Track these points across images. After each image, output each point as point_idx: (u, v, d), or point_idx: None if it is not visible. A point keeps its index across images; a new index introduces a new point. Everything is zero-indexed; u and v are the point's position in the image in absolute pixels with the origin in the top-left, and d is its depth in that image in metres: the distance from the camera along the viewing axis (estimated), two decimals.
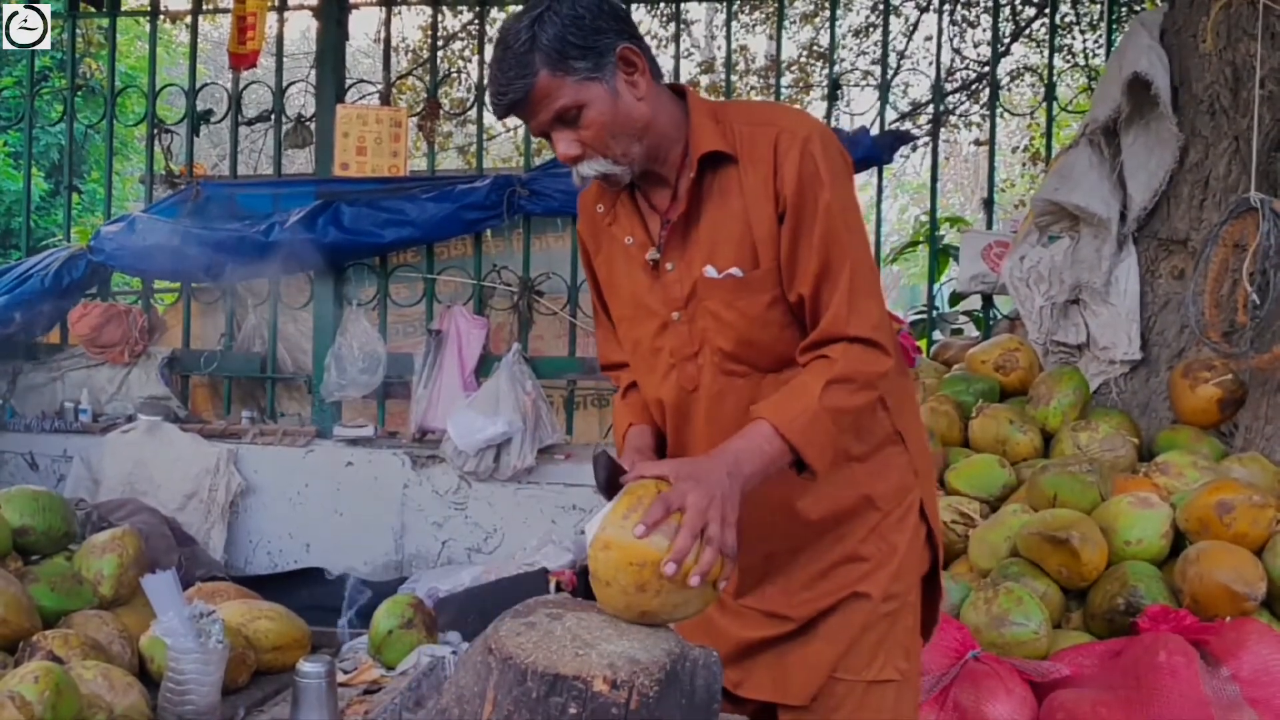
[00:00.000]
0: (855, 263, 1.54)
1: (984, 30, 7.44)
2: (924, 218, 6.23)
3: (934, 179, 4.84)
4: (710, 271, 1.59)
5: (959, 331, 5.87)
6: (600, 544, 1.37)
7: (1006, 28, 7.28)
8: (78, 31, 5.49)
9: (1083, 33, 7.48)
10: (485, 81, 4.88)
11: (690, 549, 1.34)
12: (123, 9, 5.45)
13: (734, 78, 5.95)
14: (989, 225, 4.82)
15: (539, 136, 1.60)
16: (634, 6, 5.61)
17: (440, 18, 5.93)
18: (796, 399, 1.50)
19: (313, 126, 4.87)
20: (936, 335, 5.15)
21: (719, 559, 1.36)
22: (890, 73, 5.03)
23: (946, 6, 6.67)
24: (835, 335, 1.54)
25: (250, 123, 5.42)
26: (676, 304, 1.63)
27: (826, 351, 1.54)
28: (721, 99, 4.95)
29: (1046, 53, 4.91)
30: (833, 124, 4.71)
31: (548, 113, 1.52)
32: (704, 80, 7.85)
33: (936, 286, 5.40)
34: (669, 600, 1.36)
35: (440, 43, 6.77)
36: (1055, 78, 4.77)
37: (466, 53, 7.79)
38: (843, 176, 1.57)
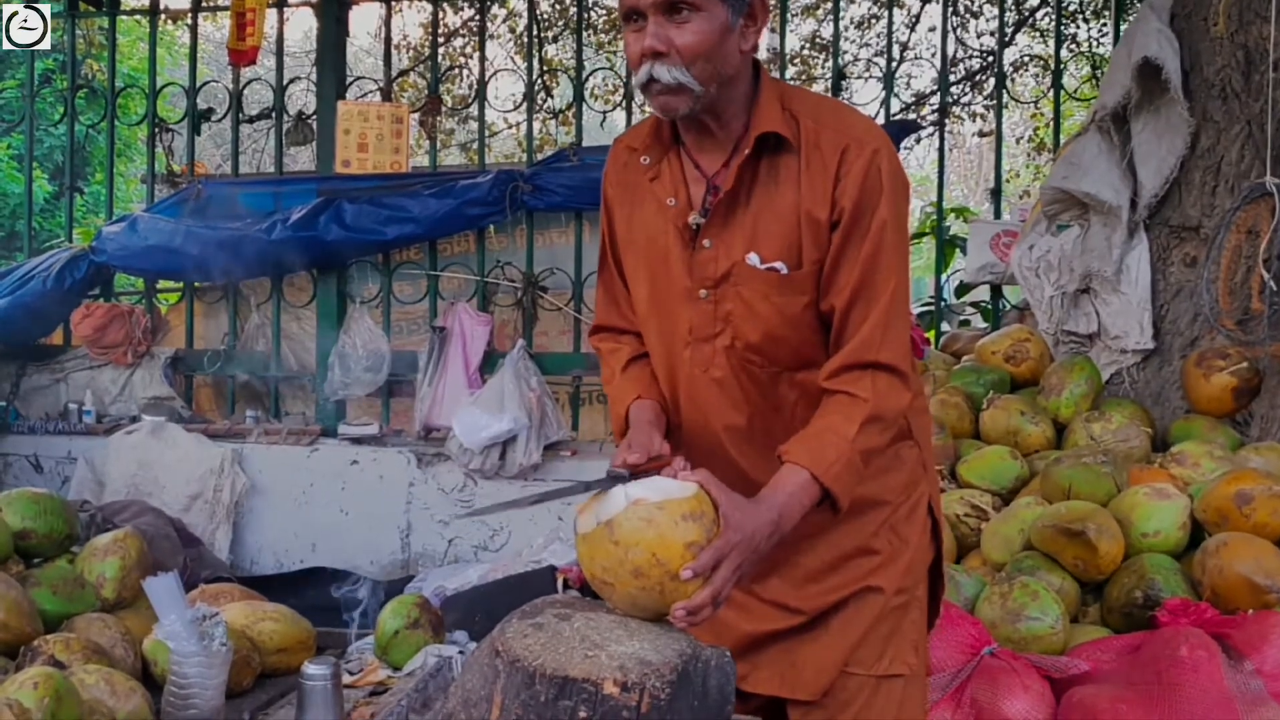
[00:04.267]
0: (896, 287, 1.53)
1: (987, 20, 7.40)
2: (928, 209, 6.19)
3: (941, 169, 4.81)
4: (753, 259, 1.55)
5: (966, 323, 5.83)
6: (644, 513, 1.34)
7: (1010, 17, 7.23)
8: (78, 33, 5.46)
9: (1086, 21, 7.44)
10: (486, 77, 4.87)
11: (707, 607, 1.34)
12: (122, 8, 5.42)
13: None
14: (996, 215, 4.78)
15: (626, 13, 1.50)
16: None
17: (441, 14, 5.90)
18: (831, 443, 1.49)
19: (314, 124, 4.84)
20: (944, 327, 5.11)
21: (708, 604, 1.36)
22: (894, 64, 4.98)
23: None
24: (867, 360, 1.52)
25: (251, 121, 5.40)
26: (706, 282, 1.59)
27: (855, 389, 1.52)
28: None
29: (1051, 42, 4.86)
30: None
31: None
32: None
33: (944, 278, 5.36)
34: (640, 600, 1.35)
35: (441, 39, 6.74)
36: (1061, 66, 4.72)
37: (468, 49, 7.78)
38: (902, 196, 1.55)
